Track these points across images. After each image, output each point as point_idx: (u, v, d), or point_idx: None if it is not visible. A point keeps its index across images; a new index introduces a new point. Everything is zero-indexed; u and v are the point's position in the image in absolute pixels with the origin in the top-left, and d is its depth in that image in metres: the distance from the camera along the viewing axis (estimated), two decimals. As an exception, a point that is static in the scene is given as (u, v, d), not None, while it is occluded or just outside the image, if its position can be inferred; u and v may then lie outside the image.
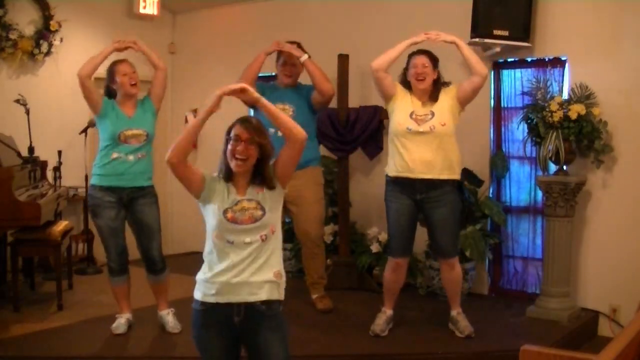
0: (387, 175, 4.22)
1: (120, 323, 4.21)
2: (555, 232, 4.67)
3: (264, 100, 2.60)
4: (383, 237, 5.48)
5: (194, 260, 7.38)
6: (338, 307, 4.82)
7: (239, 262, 2.54)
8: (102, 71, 4.29)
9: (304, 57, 4.67)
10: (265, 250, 2.57)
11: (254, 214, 2.56)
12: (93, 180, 4.19)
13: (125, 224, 4.25)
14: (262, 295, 2.55)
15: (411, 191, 4.10)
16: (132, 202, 4.17)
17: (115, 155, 4.09)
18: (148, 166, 4.21)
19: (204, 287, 2.59)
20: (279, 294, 2.62)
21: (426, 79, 4.06)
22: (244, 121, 2.61)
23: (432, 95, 4.11)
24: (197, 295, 2.61)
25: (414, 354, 4.05)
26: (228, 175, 2.62)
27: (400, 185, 4.12)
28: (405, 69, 4.17)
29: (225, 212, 2.56)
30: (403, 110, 4.10)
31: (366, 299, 5.16)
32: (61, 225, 5.06)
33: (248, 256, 2.54)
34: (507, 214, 5.25)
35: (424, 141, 4.02)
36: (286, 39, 4.85)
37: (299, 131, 2.58)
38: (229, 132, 2.60)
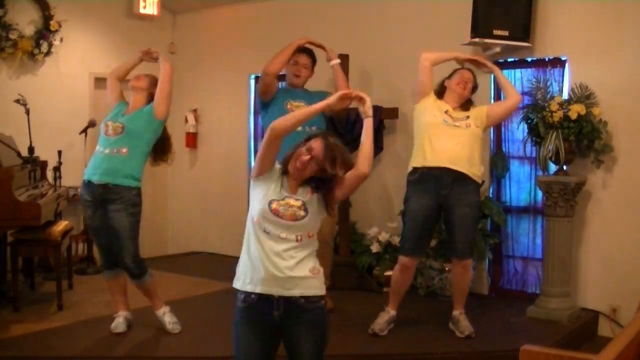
0: (411, 173, 4.23)
1: (119, 322, 4.22)
2: (555, 232, 4.67)
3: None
4: (383, 237, 5.48)
5: (194, 260, 7.42)
6: (338, 307, 4.82)
7: (273, 254, 2.54)
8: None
9: (337, 60, 4.78)
10: (299, 250, 2.58)
11: (296, 213, 2.57)
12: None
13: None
14: (297, 291, 2.56)
15: (436, 187, 4.12)
16: (105, 206, 4.11)
17: (97, 147, 4.18)
18: (125, 165, 4.08)
19: (243, 276, 2.60)
20: (318, 289, 2.62)
21: (466, 87, 4.31)
22: (325, 137, 2.61)
23: (463, 105, 4.32)
24: (237, 284, 2.62)
25: (414, 354, 4.05)
26: (285, 170, 2.63)
27: (425, 181, 4.14)
28: (446, 78, 4.38)
29: (271, 202, 2.57)
30: (438, 109, 4.25)
31: (366, 299, 5.16)
32: (61, 225, 5.06)
33: (282, 251, 2.55)
34: (507, 214, 5.25)
35: (457, 135, 4.15)
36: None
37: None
38: (308, 139, 2.62)
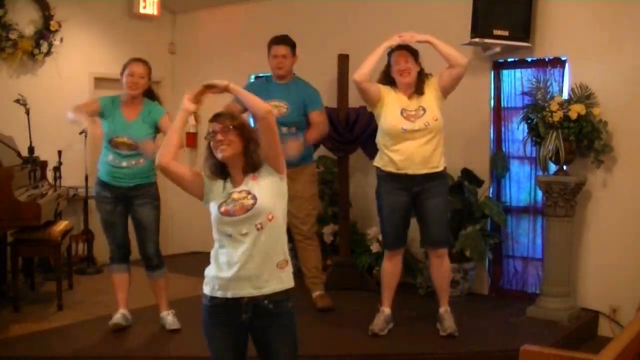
0: (379, 169, 4.20)
1: (117, 316, 4.24)
2: (555, 232, 4.67)
3: (232, 86, 2.72)
4: (383, 237, 5.48)
5: (194, 260, 7.42)
6: (338, 307, 4.82)
7: (241, 255, 2.55)
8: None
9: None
10: (265, 239, 2.57)
11: (244, 204, 2.57)
12: (97, 172, 4.26)
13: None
14: (267, 289, 2.57)
15: (409, 185, 4.12)
16: (130, 200, 4.20)
17: (110, 157, 4.15)
18: (144, 168, 4.18)
19: (212, 282, 2.62)
20: (287, 283, 2.63)
21: (410, 73, 4.10)
22: (214, 116, 2.67)
23: (418, 88, 4.13)
24: (206, 290, 2.64)
25: (414, 354, 4.05)
26: (222, 172, 2.65)
27: (397, 180, 4.12)
28: (387, 66, 4.21)
29: (219, 206, 2.60)
30: (392, 109, 4.10)
31: (366, 299, 5.15)
32: (61, 225, 5.06)
33: (248, 248, 2.55)
34: (507, 214, 5.24)
35: (419, 137, 4.05)
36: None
37: (260, 106, 2.64)
38: (207, 134, 2.66)
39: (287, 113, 4.65)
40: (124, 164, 4.13)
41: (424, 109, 4.08)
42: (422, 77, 4.15)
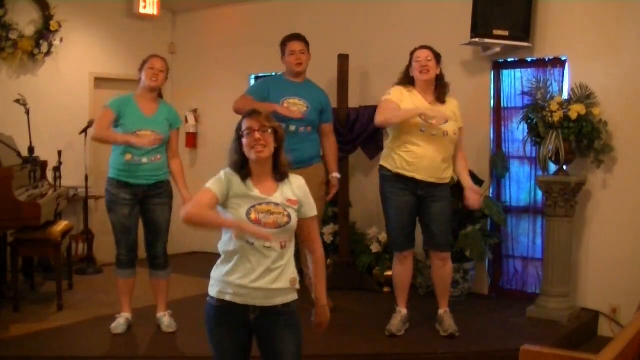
0: (386, 169, 4.19)
1: (120, 323, 4.21)
2: (555, 232, 4.67)
3: None
4: (383, 237, 5.47)
5: (194, 260, 7.43)
6: (338, 307, 4.81)
7: (258, 267, 2.52)
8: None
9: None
10: (283, 257, 2.57)
11: (278, 220, 2.53)
12: (110, 174, 4.18)
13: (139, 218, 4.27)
14: (278, 300, 2.57)
15: (414, 187, 4.11)
16: (147, 200, 4.19)
17: (129, 157, 4.10)
18: (163, 164, 4.21)
19: (221, 285, 2.57)
20: (295, 296, 2.64)
21: (430, 71, 4.08)
22: (251, 113, 2.60)
23: (439, 95, 4.14)
24: (213, 292, 2.60)
25: (414, 354, 4.05)
26: (246, 174, 2.58)
27: (403, 182, 4.12)
28: (408, 66, 4.18)
29: (249, 212, 2.52)
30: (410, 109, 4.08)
31: (366, 299, 5.16)
32: (61, 225, 5.06)
33: (268, 263, 2.52)
34: (507, 214, 5.24)
35: (434, 143, 4.04)
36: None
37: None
38: (239, 129, 2.59)
39: (307, 112, 4.62)
40: (145, 159, 4.11)
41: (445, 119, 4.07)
42: (442, 83, 4.15)
